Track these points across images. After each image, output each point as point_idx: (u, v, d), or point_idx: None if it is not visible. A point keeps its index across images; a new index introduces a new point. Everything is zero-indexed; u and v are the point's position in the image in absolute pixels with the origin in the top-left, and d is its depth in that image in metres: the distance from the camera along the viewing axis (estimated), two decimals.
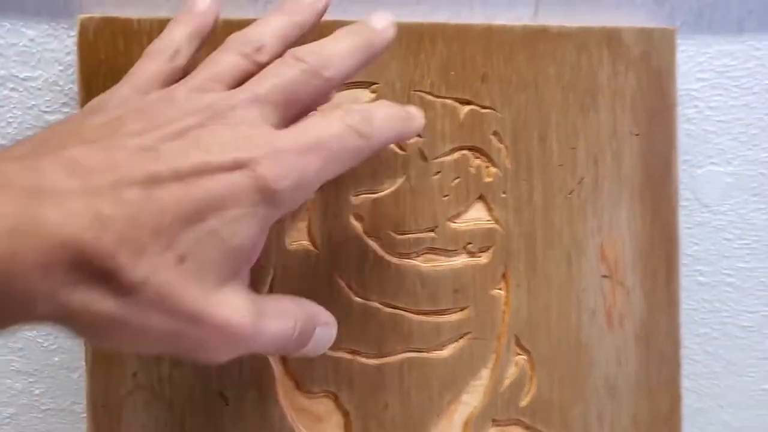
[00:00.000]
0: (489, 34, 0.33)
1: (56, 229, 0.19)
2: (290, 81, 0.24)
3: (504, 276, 0.34)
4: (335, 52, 0.25)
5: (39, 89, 0.33)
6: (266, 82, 0.24)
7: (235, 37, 0.26)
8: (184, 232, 0.21)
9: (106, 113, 0.24)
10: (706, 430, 0.44)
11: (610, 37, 0.35)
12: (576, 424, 0.34)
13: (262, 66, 0.25)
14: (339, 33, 0.26)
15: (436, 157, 0.33)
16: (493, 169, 0.34)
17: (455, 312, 0.34)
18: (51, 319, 0.20)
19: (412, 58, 0.33)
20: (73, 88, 0.33)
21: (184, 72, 0.26)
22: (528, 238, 0.34)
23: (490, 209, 0.34)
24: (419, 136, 0.33)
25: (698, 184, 0.40)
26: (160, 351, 0.23)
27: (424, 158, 0.33)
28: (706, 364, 0.43)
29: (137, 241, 0.20)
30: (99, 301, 0.20)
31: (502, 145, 0.34)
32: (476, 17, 0.35)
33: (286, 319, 0.24)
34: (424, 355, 0.33)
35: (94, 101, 0.26)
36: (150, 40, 0.30)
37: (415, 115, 0.27)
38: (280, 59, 0.25)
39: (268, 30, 0.26)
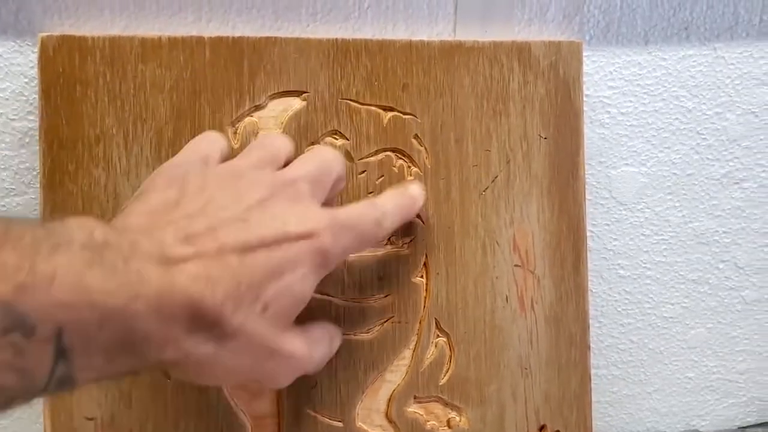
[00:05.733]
0: (408, 48, 0.37)
1: (182, 292, 0.24)
2: (321, 169, 0.31)
3: (425, 265, 0.37)
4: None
5: (6, 99, 0.37)
6: (310, 165, 0.31)
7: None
8: (269, 287, 0.26)
9: (190, 184, 0.29)
10: (636, 415, 0.47)
11: (521, 50, 0.38)
12: (492, 401, 0.38)
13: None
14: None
15: (362, 158, 0.37)
16: (414, 169, 0.38)
17: (379, 298, 0.37)
18: (171, 361, 0.25)
19: (340, 70, 0.37)
20: (37, 98, 0.37)
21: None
22: (446, 230, 0.38)
23: None
24: (346, 138, 0.37)
25: (614, 183, 0.44)
26: (240, 381, 0.29)
27: (351, 159, 0.37)
28: (632, 353, 0.46)
29: (236, 297, 0.25)
30: (203, 346, 0.25)
31: (422, 148, 0.37)
32: (399, 33, 0.39)
33: (324, 344, 0.31)
34: (351, 337, 0.37)
35: (170, 169, 0.31)
36: (102, 55, 0.35)
37: (417, 198, 0.34)
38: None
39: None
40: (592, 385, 0.39)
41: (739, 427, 0.49)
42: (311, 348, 0.29)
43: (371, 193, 0.37)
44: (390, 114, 0.37)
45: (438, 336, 0.37)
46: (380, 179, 0.37)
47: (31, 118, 0.37)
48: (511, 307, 0.38)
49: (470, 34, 0.40)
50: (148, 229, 0.26)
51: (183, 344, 0.25)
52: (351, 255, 0.35)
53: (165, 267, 0.24)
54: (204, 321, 0.25)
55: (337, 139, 0.37)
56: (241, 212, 0.27)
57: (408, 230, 0.37)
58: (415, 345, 0.37)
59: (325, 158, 0.32)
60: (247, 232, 0.26)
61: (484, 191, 0.38)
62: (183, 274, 0.24)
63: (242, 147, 0.36)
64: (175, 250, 0.25)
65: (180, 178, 0.29)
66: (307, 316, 0.35)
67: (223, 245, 0.26)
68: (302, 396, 0.36)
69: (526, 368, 0.38)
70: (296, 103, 0.37)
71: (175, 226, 0.26)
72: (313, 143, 0.37)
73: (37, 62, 0.35)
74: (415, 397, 0.37)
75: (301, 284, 0.28)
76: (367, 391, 0.37)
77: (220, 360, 0.26)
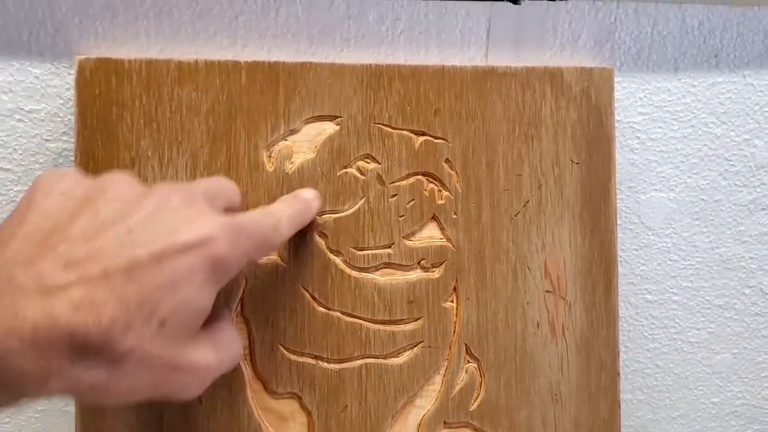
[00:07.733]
0: (441, 73, 0.37)
1: (63, 321, 0.23)
2: (218, 181, 0.31)
3: (455, 289, 0.37)
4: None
5: (42, 120, 0.37)
6: (207, 180, 0.31)
7: None
8: (162, 303, 0.25)
9: (72, 198, 0.27)
10: None
11: (553, 76, 0.38)
12: (522, 427, 0.37)
13: None
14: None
15: (393, 182, 0.37)
16: (445, 193, 0.38)
17: (410, 322, 0.37)
18: (60, 391, 0.24)
19: (372, 95, 0.37)
20: (72, 119, 0.37)
21: None
22: (477, 255, 0.38)
23: (442, 228, 0.37)
24: (378, 162, 0.37)
25: (643, 209, 0.44)
26: (148, 398, 0.27)
27: (382, 182, 0.37)
28: (657, 377, 0.46)
29: (125, 318, 0.24)
30: (94, 372, 0.24)
31: (453, 172, 0.38)
32: (432, 58, 0.39)
33: (234, 343, 0.30)
34: (381, 361, 0.36)
35: (50, 182, 0.28)
36: (139, 78, 0.35)
37: (310, 201, 0.35)
38: None
39: None
40: None
41: None
42: (220, 353, 0.28)
43: (402, 216, 0.37)
44: (422, 138, 0.37)
45: (468, 362, 0.37)
46: (411, 203, 0.37)
47: (66, 138, 0.37)
48: (542, 333, 0.38)
49: (502, 59, 0.40)
50: (27, 258, 0.25)
51: (68, 374, 0.24)
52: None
53: (44, 297, 0.23)
54: (89, 348, 0.24)
55: (369, 162, 0.37)
56: (127, 225, 0.26)
57: (438, 255, 0.37)
58: (446, 370, 0.37)
59: (219, 178, 0.32)
60: (132, 248, 0.25)
61: (515, 216, 0.38)
62: (63, 302, 0.23)
63: (276, 170, 0.36)
64: (54, 279, 0.24)
65: (60, 192, 0.27)
66: (338, 339, 0.36)
67: (108, 267, 0.25)
68: (333, 419, 0.36)
69: (556, 395, 0.38)
70: (330, 128, 0.37)
71: (54, 253, 0.25)
72: (345, 167, 0.37)
73: (74, 84, 0.35)
74: (445, 423, 0.37)
75: (198, 295, 0.26)
76: (396, 416, 0.37)
77: (117, 382, 0.25)
